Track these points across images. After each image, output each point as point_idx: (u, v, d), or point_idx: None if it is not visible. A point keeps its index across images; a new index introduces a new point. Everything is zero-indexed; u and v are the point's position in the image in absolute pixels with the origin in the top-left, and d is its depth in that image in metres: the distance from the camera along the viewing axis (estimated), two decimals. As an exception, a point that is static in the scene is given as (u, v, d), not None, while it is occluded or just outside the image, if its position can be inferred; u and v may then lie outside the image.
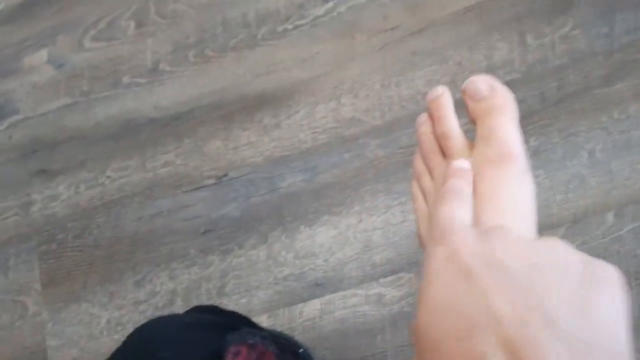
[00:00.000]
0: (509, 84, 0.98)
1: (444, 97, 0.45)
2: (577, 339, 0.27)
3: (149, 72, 1.16)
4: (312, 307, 0.96)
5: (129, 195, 1.08)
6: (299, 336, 0.95)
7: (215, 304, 0.98)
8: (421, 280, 0.33)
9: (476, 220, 0.38)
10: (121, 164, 1.11)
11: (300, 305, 0.96)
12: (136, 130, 1.12)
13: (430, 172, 0.46)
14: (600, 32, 1.00)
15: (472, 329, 0.28)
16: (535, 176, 0.89)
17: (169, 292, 1.01)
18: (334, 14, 1.11)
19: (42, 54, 1.22)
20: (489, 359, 0.27)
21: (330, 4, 1.12)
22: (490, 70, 1.01)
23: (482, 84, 0.42)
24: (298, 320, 0.96)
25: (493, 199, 0.39)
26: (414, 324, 0.33)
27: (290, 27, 1.13)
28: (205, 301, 0.99)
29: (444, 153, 0.44)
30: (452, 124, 0.44)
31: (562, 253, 0.31)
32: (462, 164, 0.41)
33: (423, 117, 0.47)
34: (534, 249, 0.31)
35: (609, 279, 0.29)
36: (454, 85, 1.02)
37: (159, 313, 1.01)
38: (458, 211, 0.36)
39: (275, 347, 0.56)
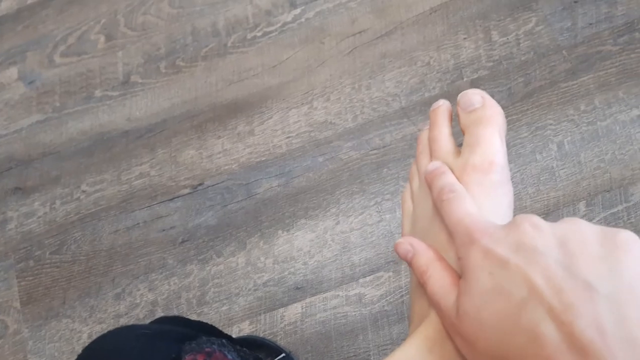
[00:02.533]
0: (476, 82, 1.01)
1: (442, 108, 0.47)
2: (614, 298, 0.29)
3: (121, 84, 1.16)
4: (293, 311, 0.96)
5: (104, 208, 1.08)
6: (281, 341, 0.95)
7: (180, 315, 0.98)
8: (461, 281, 0.36)
9: None
10: (96, 177, 1.11)
11: (281, 309, 0.97)
12: (110, 143, 1.12)
13: (419, 173, 0.48)
14: (564, 27, 1.02)
15: (521, 305, 0.31)
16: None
17: (149, 303, 1.01)
18: (302, 20, 1.12)
19: (12, 72, 1.22)
20: (543, 327, 0.30)
21: (298, 10, 1.13)
22: (458, 68, 1.03)
23: (475, 96, 0.44)
24: (280, 324, 0.96)
25: None
26: (457, 318, 0.35)
27: (259, 34, 1.13)
28: (185, 311, 0.99)
29: (432, 156, 0.46)
30: (442, 129, 0.46)
31: (581, 226, 0.33)
32: (434, 164, 0.43)
33: (426, 126, 0.49)
34: (556, 228, 0.34)
35: (628, 241, 0.32)
36: (424, 86, 1.03)
37: (140, 325, 1.01)
38: (467, 207, 0.38)
39: (235, 354, 0.56)
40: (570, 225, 0.33)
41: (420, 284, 0.40)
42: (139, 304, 1.01)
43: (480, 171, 0.41)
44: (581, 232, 0.33)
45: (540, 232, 0.33)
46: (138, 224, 1.06)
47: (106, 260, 1.05)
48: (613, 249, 0.31)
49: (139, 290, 1.02)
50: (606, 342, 0.28)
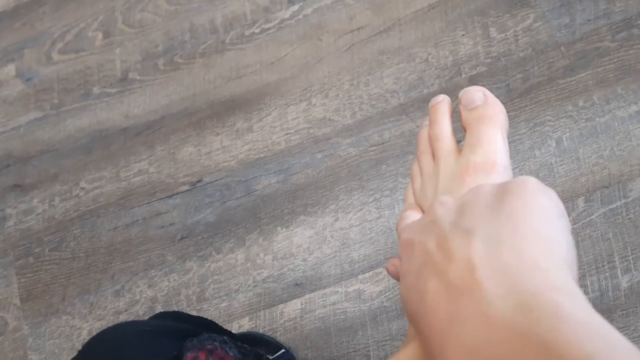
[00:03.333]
0: (475, 78, 1.01)
1: (442, 104, 0.46)
2: (492, 236, 0.30)
3: (119, 81, 1.16)
4: (293, 307, 0.96)
5: (103, 205, 1.08)
6: (280, 337, 0.95)
7: (179, 310, 0.98)
8: None
9: None
10: (95, 174, 1.11)
11: (281, 306, 0.97)
12: (108, 140, 1.12)
13: (421, 172, 0.47)
14: (562, 23, 1.02)
15: (419, 274, 0.33)
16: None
17: (148, 300, 1.01)
18: (300, 16, 1.12)
19: (10, 69, 1.22)
20: (429, 284, 0.31)
21: (296, 7, 1.13)
22: (456, 65, 1.03)
23: (477, 93, 0.43)
24: (279, 321, 0.96)
25: None
26: None
27: (257, 31, 1.13)
28: (185, 307, 0.99)
29: (434, 155, 0.46)
30: (443, 127, 0.46)
31: (482, 187, 0.35)
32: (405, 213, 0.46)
33: (425, 122, 0.49)
34: (459, 198, 0.35)
35: (519, 186, 0.33)
36: (422, 82, 1.03)
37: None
38: (407, 220, 0.42)
39: (236, 351, 0.56)
40: (472, 190, 0.35)
41: None
42: (138, 300, 1.01)
43: (482, 171, 0.40)
44: (479, 192, 0.34)
45: (443, 206, 0.35)
46: (137, 220, 1.06)
47: (105, 257, 1.05)
48: (503, 195, 0.32)
49: (138, 287, 1.02)
50: (475, 277, 0.29)
